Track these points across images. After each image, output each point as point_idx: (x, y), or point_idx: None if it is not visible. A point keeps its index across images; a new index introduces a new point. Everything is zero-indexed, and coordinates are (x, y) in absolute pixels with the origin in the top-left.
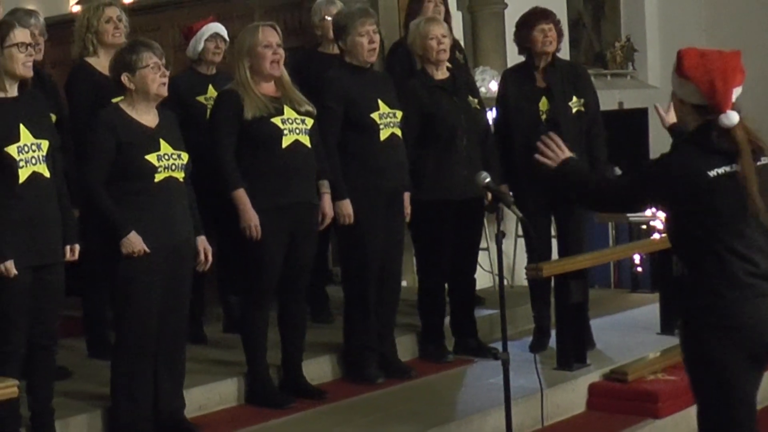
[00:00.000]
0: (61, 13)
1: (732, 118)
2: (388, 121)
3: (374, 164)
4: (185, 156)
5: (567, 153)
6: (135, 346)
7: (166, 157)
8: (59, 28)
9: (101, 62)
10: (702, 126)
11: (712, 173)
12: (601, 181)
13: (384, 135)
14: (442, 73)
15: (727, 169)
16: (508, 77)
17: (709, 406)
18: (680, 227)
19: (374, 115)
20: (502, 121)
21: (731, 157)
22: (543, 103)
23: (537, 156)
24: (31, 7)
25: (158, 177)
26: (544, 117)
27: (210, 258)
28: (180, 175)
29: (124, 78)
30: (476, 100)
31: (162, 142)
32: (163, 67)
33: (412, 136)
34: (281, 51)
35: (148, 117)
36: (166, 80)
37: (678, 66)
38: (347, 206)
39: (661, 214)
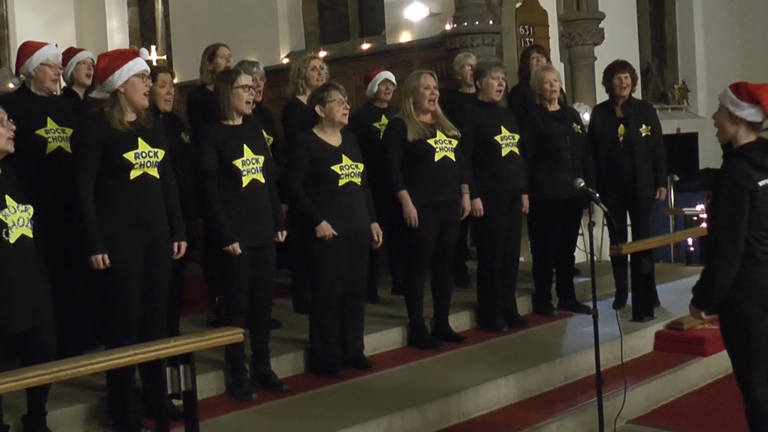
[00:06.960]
0: (274, 63)
1: None
2: (508, 141)
3: (498, 173)
4: (361, 166)
5: None
6: (324, 304)
7: (347, 167)
8: (273, 74)
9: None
10: (752, 143)
11: (761, 183)
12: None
13: (505, 152)
14: (553, 107)
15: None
16: (596, 111)
17: (735, 342)
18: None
19: (497, 138)
20: (591, 142)
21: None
22: (621, 129)
23: None
24: (253, 59)
25: (341, 181)
26: (621, 139)
27: (381, 240)
28: (358, 180)
29: (317, 109)
30: (579, 126)
31: (344, 156)
32: (345, 102)
33: (530, 152)
34: (437, 92)
35: (334, 138)
36: (347, 112)
37: (745, 94)
38: (479, 203)
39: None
